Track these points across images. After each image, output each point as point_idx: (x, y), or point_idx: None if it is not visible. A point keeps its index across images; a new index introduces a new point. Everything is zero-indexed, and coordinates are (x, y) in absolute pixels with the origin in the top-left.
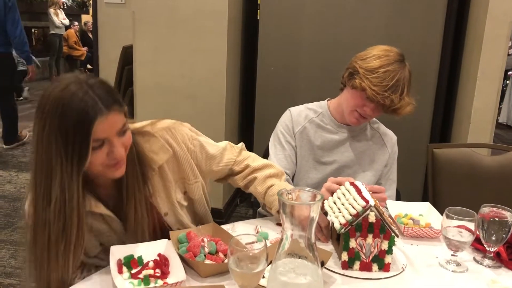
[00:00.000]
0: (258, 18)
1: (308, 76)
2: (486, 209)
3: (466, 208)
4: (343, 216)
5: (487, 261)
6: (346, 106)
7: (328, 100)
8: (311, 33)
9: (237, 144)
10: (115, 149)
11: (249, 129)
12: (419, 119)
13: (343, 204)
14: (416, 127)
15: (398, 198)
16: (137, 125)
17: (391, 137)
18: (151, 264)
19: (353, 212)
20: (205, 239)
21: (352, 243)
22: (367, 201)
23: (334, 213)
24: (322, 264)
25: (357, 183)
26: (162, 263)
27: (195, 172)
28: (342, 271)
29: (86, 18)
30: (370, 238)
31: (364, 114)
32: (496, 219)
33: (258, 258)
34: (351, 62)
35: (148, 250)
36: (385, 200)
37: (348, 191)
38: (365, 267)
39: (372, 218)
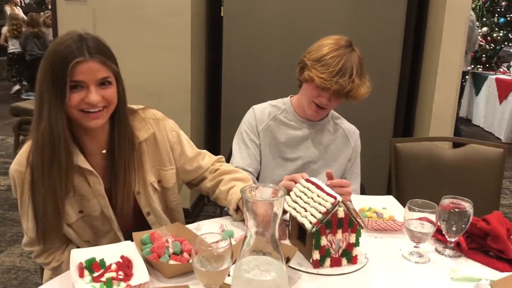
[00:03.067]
0: (222, 15)
1: (273, 72)
2: (446, 201)
3: (427, 200)
4: (312, 215)
5: (448, 251)
6: (304, 99)
7: (291, 97)
8: (275, 29)
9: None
10: (90, 94)
11: (216, 126)
12: (382, 114)
13: (307, 203)
14: (380, 122)
15: (363, 192)
16: (132, 106)
17: (354, 131)
18: (113, 266)
19: (323, 209)
20: (170, 240)
21: (324, 241)
22: (334, 197)
23: (299, 213)
24: (288, 260)
25: (313, 179)
26: (125, 265)
27: (171, 159)
28: (307, 269)
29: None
30: (339, 234)
31: (321, 104)
32: (456, 210)
33: (222, 257)
34: (301, 57)
35: (110, 253)
36: (351, 194)
37: (308, 189)
38: (336, 263)
39: (341, 213)
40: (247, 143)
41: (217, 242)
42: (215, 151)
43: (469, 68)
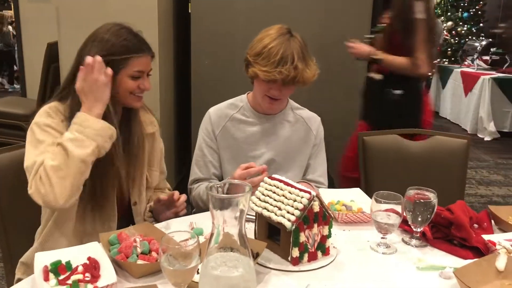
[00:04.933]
0: (189, 11)
1: (243, 68)
2: (411, 192)
3: (393, 192)
4: (289, 213)
5: (414, 241)
6: (257, 95)
7: (248, 93)
8: (244, 25)
9: None
10: (146, 81)
11: (186, 123)
12: (351, 108)
13: (280, 202)
14: (349, 116)
15: (333, 186)
16: None
17: (315, 119)
18: (80, 268)
19: (300, 206)
20: (138, 239)
21: (302, 237)
22: (308, 192)
23: (273, 213)
24: (257, 255)
25: (277, 176)
26: (92, 267)
27: (157, 162)
28: (275, 266)
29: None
30: (315, 228)
31: (274, 96)
32: (422, 200)
33: (190, 255)
34: (245, 55)
35: (77, 254)
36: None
37: (276, 187)
38: (312, 257)
39: (316, 207)
40: (203, 150)
41: (186, 240)
42: (185, 149)
43: (435, 61)
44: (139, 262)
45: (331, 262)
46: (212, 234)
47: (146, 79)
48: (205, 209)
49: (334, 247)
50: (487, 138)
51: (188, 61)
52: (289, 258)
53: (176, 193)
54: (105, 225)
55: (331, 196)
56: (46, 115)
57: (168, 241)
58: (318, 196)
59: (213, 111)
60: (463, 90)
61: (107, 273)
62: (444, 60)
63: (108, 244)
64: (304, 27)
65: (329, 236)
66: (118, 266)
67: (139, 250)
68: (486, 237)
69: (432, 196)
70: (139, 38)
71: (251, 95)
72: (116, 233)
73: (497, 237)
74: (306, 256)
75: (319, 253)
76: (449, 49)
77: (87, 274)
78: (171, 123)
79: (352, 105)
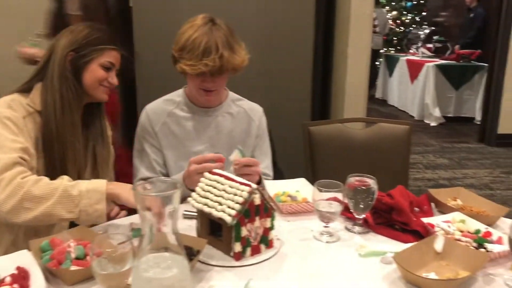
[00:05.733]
0: (130, 5)
1: None
2: (352, 179)
3: (333, 180)
4: (229, 208)
5: (357, 228)
6: (192, 89)
7: (185, 87)
8: (189, 17)
9: None
10: (115, 77)
11: (132, 123)
12: (299, 99)
13: (220, 196)
14: (297, 107)
15: (282, 176)
16: None
17: (257, 109)
18: (8, 279)
19: (240, 200)
20: (72, 244)
21: (244, 232)
22: (248, 185)
23: (214, 208)
24: (198, 253)
25: (218, 171)
26: (21, 277)
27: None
28: (217, 262)
29: None
30: (257, 221)
31: (208, 88)
32: (363, 187)
33: (124, 257)
34: (171, 51)
35: (5, 264)
36: (259, 173)
37: (217, 182)
38: (256, 250)
39: (257, 200)
40: (146, 149)
41: (123, 242)
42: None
43: (382, 50)
44: (73, 268)
45: (275, 254)
46: (143, 235)
47: (114, 75)
48: None
49: (278, 239)
50: (433, 124)
51: (132, 56)
52: (232, 254)
53: (115, 210)
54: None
55: (277, 187)
56: (7, 106)
57: (100, 244)
58: (259, 189)
59: (149, 108)
60: (409, 77)
61: (37, 282)
62: (391, 49)
63: (40, 251)
64: (250, 18)
65: (271, 228)
66: (51, 274)
67: (73, 255)
68: (425, 220)
69: (372, 183)
70: (112, 35)
71: (188, 89)
72: (49, 239)
73: (435, 220)
74: (249, 250)
75: (263, 246)
76: (394, 38)
77: (15, 285)
78: (117, 124)
79: (302, 96)
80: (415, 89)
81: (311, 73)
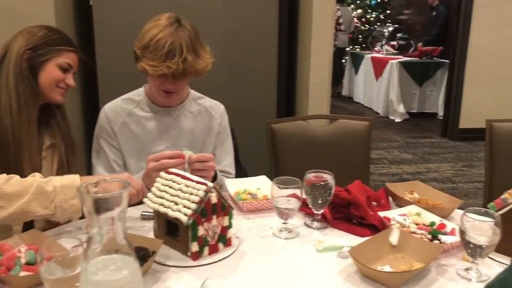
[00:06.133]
0: (90, 3)
1: None
2: (309, 175)
3: (291, 177)
4: (185, 207)
5: (316, 224)
6: (152, 89)
7: (145, 86)
8: (151, 15)
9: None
10: (72, 79)
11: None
12: (264, 98)
13: (176, 196)
14: (263, 106)
15: (246, 174)
16: None
17: (218, 107)
18: None
19: (196, 199)
20: (22, 249)
21: (201, 231)
22: (205, 184)
23: (170, 208)
24: (153, 253)
25: (174, 170)
26: None
27: None
28: (174, 263)
29: None
30: (214, 220)
31: (169, 89)
32: (321, 183)
33: (75, 261)
34: (134, 47)
35: None
36: (214, 168)
37: (173, 181)
38: (213, 249)
39: (214, 199)
40: (105, 149)
41: (77, 246)
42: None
43: (348, 48)
44: (22, 274)
45: (233, 252)
46: (90, 238)
47: (72, 77)
48: None
49: (237, 237)
50: (397, 120)
51: (93, 56)
52: (189, 253)
53: None
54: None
55: (238, 185)
56: None
57: (49, 248)
58: (216, 187)
59: (108, 107)
60: (374, 75)
61: None
62: (356, 47)
63: None
64: (214, 16)
65: (229, 226)
66: (0, 281)
67: (23, 260)
68: (382, 213)
69: (329, 178)
70: (69, 38)
71: (148, 88)
72: None
73: (392, 213)
74: (206, 249)
75: (221, 245)
76: (360, 36)
77: None
78: (80, 123)
79: (267, 95)
80: (380, 86)
81: (276, 72)
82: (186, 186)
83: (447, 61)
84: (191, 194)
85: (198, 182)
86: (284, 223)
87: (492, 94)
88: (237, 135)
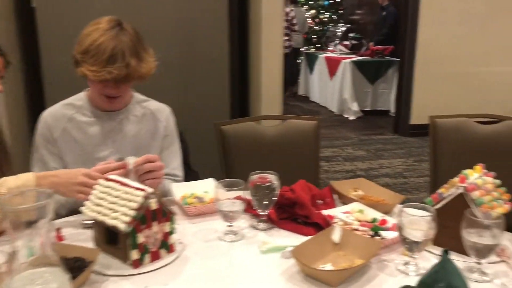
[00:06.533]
0: (33, 5)
1: None
2: (254, 177)
3: (235, 179)
4: (124, 214)
5: (261, 225)
6: (94, 94)
7: (86, 90)
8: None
9: None
10: None
11: None
12: (217, 99)
13: (114, 203)
14: (216, 107)
15: (197, 177)
16: None
17: (163, 109)
18: None
19: (134, 205)
20: None
21: (141, 238)
22: (143, 189)
23: (107, 216)
24: (90, 263)
25: (114, 177)
26: None
27: None
28: (114, 272)
29: None
30: (155, 226)
31: (111, 95)
32: (267, 184)
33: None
34: (73, 51)
35: None
36: (163, 167)
37: (111, 188)
38: (155, 257)
39: (154, 205)
40: (45, 157)
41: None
42: None
43: (303, 49)
44: None
45: (176, 258)
46: (14, 252)
47: None
48: (65, 215)
49: (180, 242)
50: (351, 118)
51: (37, 61)
52: (129, 262)
53: None
54: None
55: (185, 189)
56: None
57: None
58: (155, 193)
59: (47, 114)
60: (328, 74)
61: None
62: (311, 47)
63: None
64: (163, 19)
65: (171, 232)
66: None
67: None
68: (325, 212)
69: (273, 179)
70: None
71: (89, 93)
72: None
73: (335, 211)
74: (147, 257)
75: (163, 252)
76: (314, 36)
77: None
78: (25, 132)
79: (220, 96)
80: (334, 85)
81: (228, 73)
82: (125, 192)
83: (398, 59)
84: (130, 201)
85: (136, 189)
86: (229, 226)
87: (441, 91)
88: (190, 137)
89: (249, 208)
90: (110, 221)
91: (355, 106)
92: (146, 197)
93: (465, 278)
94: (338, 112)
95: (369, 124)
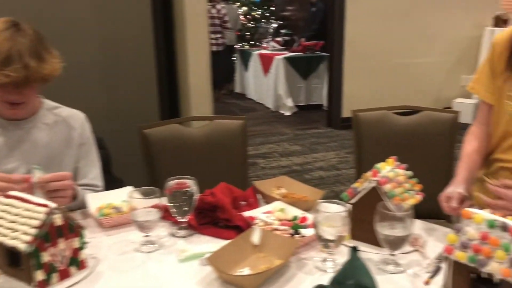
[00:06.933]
0: None
1: None
2: (171, 183)
3: (148, 187)
4: (24, 233)
5: (181, 232)
6: None
7: None
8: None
9: None
10: None
11: None
12: (146, 103)
13: (14, 222)
14: (144, 111)
15: (122, 185)
16: None
17: (77, 116)
18: None
19: (36, 223)
20: None
21: (45, 257)
22: (45, 205)
23: (7, 236)
24: None
25: (14, 193)
26: None
27: None
28: None
29: None
30: (62, 243)
31: (13, 101)
32: (185, 190)
33: None
34: None
35: None
36: (71, 187)
37: (11, 206)
38: (64, 275)
39: (58, 221)
40: None
41: None
42: None
43: (237, 46)
44: None
45: (87, 275)
46: None
47: None
48: None
49: (93, 257)
50: (287, 113)
51: None
52: (34, 283)
53: None
54: None
55: (102, 199)
56: None
57: None
58: (60, 208)
59: None
60: (262, 71)
61: None
62: (245, 44)
63: None
64: (83, 20)
65: (82, 248)
66: None
67: None
68: (247, 213)
69: (191, 184)
70: None
71: None
72: None
73: (256, 212)
74: (55, 276)
75: (73, 269)
76: (247, 33)
77: None
78: None
79: (148, 98)
80: (269, 81)
81: (156, 74)
82: (26, 210)
83: (328, 54)
84: (31, 218)
85: (38, 205)
86: (145, 236)
87: (369, 84)
88: (117, 142)
89: (168, 216)
90: (9, 242)
91: (289, 102)
92: (49, 213)
93: (373, 274)
94: (274, 108)
95: (303, 119)
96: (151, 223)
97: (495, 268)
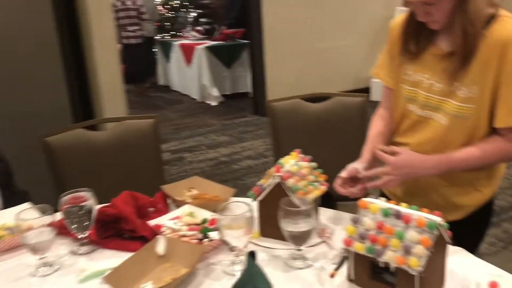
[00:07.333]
0: None
1: None
2: (65, 199)
3: (41, 204)
4: None
5: (83, 249)
6: None
7: None
8: None
9: None
10: None
11: None
12: (56, 106)
13: None
14: (55, 115)
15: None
16: None
17: None
18: None
19: None
20: None
21: None
22: None
23: None
24: None
25: None
26: None
27: None
28: None
29: None
30: None
31: None
32: (79, 204)
33: None
34: None
35: None
36: None
37: None
38: None
39: None
40: None
41: None
42: None
43: (157, 37)
44: None
45: None
46: None
47: None
48: None
49: None
50: (213, 103)
51: None
52: None
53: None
54: None
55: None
56: None
57: None
58: None
59: None
60: (184, 61)
61: None
62: (166, 35)
63: None
64: None
65: None
66: None
67: None
68: (153, 221)
69: (87, 196)
70: None
71: None
72: None
73: (163, 219)
74: None
75: None
76: (167, 24)
77: None
78: None
79: (58, 101)
80: (192, 72)
81: (63, 75)
82: None
83: (249, 42)
84: None
85: None
86: (40, 259)
87: (292, 69)
88: (24, 152)
89: (67, 232)
90: None
91: (215, 92)
92: None
93: (269, 279)
94: (200, 99)
95: (230, 108)
96: (45, 243)
97: (390, 257)
